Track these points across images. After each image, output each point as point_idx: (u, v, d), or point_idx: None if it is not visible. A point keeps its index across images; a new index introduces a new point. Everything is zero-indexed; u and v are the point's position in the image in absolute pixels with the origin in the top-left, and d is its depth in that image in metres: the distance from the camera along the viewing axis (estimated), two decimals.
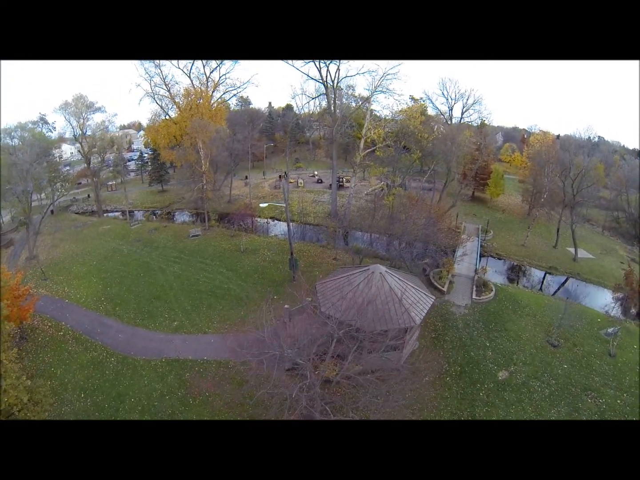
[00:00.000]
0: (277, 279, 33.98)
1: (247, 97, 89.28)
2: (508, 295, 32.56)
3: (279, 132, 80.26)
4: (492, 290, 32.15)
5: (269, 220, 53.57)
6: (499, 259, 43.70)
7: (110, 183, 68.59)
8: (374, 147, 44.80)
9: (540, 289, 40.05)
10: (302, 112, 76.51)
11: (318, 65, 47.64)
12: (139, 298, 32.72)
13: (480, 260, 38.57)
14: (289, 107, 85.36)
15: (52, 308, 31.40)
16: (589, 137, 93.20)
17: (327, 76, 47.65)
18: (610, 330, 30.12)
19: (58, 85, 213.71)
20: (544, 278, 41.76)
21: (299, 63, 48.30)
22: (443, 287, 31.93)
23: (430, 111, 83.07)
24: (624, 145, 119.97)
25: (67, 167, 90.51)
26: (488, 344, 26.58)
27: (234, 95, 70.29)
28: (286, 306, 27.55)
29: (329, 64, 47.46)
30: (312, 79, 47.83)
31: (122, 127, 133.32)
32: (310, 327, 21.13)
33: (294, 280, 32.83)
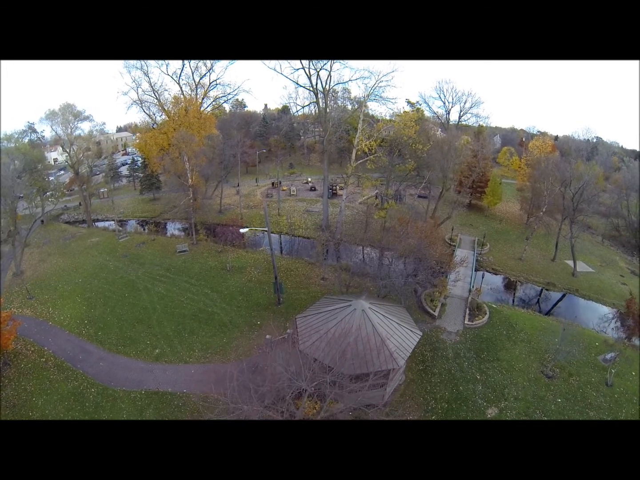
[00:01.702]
0: (262, 302, 32.86)
1: (242, 100, 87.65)
2: (503, 319, 31.32)
3: (273, 136, 78.66)
4: (486, 313, 30.92)
5: (257, 234, 51.57)
6: (495, 274, 42.36)
7: (102, 190, 67.59)
8: (367, 158, 43.36)
9: (538, 305, 38.87)
10: (298, 114, 75.06)
11: (308, 73, 46.09)
12: (122, 322, 31.89)
13: (475, 278, 37.26)
14: (284, 110, 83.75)
15: (36, 331, 30.91)
16: (588, 140, 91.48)
17: (317, 83, 46.15)
18: (608, 356, 28.94)
19: (56, 86, 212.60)
20: (540, 293, 40.44)
21: (288, 70, 46.85)
22: (434, 311, 30.69)
23: (427, 113, 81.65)
24: (622, 146, 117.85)
25: (62, 172, 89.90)
26: (479, 377, 25.39)
27: (225, 102, 68.68)
28: (267, 336, 26.48)
29: (319, 70, 45.91)
30: (302, 86, 46.22)
31: (119, 129, 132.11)
32: (289, 364, 20.27)
33: (278, 304, 31.75)
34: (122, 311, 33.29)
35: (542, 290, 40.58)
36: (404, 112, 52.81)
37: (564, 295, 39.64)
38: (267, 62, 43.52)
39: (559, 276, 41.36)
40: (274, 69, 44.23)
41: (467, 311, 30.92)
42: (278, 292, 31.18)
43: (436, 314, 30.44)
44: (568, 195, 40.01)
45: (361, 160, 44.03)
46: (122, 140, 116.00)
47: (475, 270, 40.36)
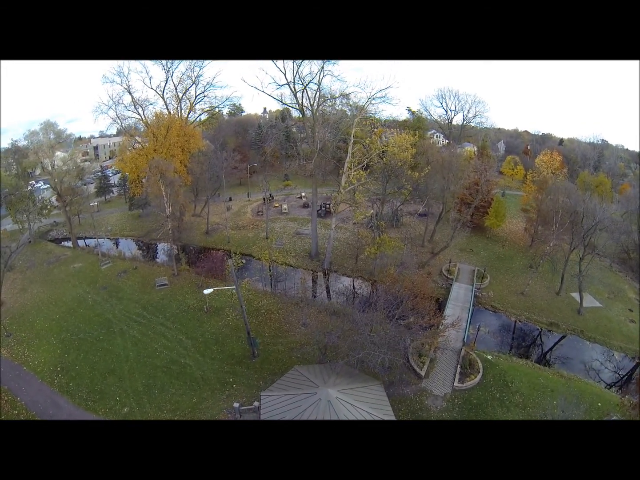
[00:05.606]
0: (236, 353, 30.73)
1: (240, 104, 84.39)
2: (497, 375, 28.67)
3: (268, 144, 75.63)
4: (479, 371, 28.27)
5: (242, 261, 47.76)
6: (495, 312, 39.36)
7: (92, 204, 66.06)
8: (357, 184, 40.49)
9: (541, 346, 36.24)
10: (296, 116, 71.76)
11: (293, 89, 43.16)
12: (94, 371, 30.67)
13: (471, 319, 34.49)
14: (283, 117, 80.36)
15: (11, 377, 30.38)
16: (594, 144, 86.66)
17: (303, 99, 43.13)
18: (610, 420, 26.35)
19: (52, 87, 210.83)
20: (540, 333, 37.54)
21: (271, 87, 43.82)
22: (421, 368, 28.12)
23: (428, 118, 77.41)
24: (627, 148, 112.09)
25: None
26: None
27: (210, 116, 65.69)
28: (235, 404, 24.50)
29: (306, 85, 42.92)
30: (288, 105, 43.25)
31: (118, 132, 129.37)
32: None
33: (253, 357, 29.63)
34: (95, 358, 31.98)
35: (540, 331, 37.67)
36: (398, 130, 49.54)
37: (563, 337, 36.66)
38: (248, 80, 40.93)
39: (563, 314, 38.20)
40: (255, 87, 41.14)
41: (458, 369, 28.32)
42: (252, 346, 29.04)
43: (423, 373, 27.89)
44: (578, 230, 36.65)
45: (351, 187, 41.18)
46: (119, 144, 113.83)
47: (473, 306, 37.65)
